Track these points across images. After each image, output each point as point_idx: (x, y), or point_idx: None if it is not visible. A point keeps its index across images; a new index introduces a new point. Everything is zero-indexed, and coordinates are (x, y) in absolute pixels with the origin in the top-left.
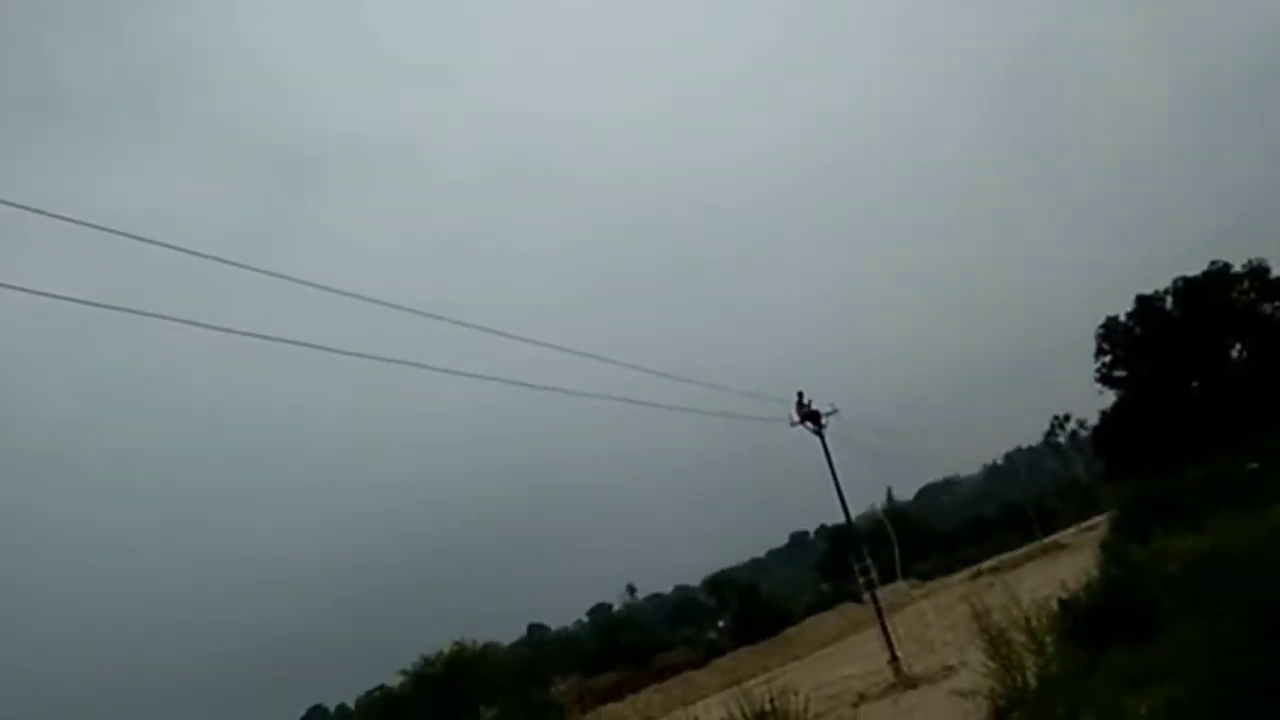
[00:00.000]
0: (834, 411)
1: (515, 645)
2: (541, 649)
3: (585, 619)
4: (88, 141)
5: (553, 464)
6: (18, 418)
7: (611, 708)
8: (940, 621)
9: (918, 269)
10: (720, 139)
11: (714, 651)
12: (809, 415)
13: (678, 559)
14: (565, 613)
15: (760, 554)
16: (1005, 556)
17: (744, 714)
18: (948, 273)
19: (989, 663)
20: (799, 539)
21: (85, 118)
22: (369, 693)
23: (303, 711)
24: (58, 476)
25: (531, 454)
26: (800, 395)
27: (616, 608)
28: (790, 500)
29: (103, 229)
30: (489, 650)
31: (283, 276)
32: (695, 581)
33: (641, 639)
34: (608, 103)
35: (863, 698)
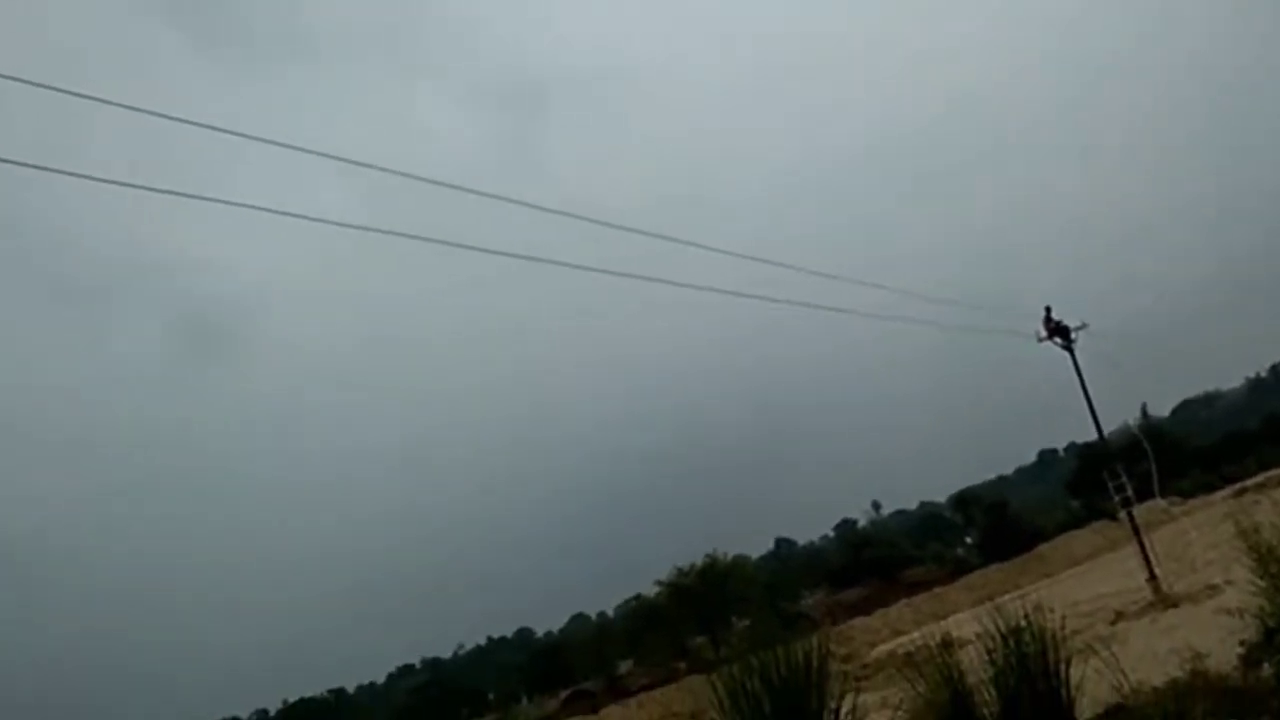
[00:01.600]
0: (1083, 327)
1: (763, 559)
2: (789, 563)
3: (831, 534)
4: (337, 78)
5: (798, 384)
6: (293, 334)
7: (861, 621)
8: (1202, 540)
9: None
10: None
11: (962, 568)
12: (1057, 330)
13: (923, 476)
14: (811, 528)
15: (1007, 471)
16: (1273, 473)
17: (997, 629)
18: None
19: (1258, 581)
20: (1047, 456)
21: (332, 55)
22: (626, 601)
23: (564, 620)
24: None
25: (778, 375)
26: (1048, 310)
27: (862, 523)
28: (1038, 417)
29: (359, 164)
30: (739, 563)
31: (524, 204)
32: (941, 498)
33: (888, 554)
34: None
35: (1120, 615)
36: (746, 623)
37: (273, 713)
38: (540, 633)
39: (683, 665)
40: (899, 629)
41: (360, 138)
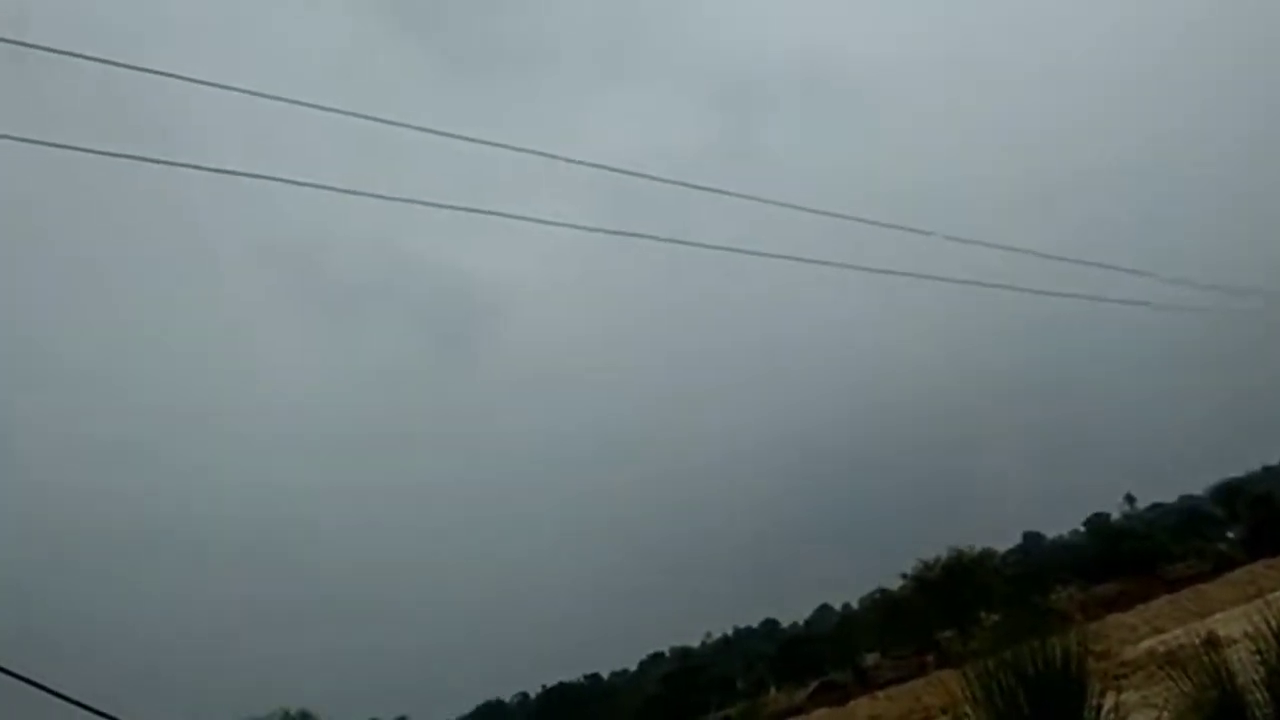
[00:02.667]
0: None
1: (1010, 553)
2: (1038, 557)
3: (1081, 528)
4: (574, 87)
5: (1045, 374)
6: (538, 332)
7: (1116, 617)
8: None
9: None
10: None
11: (1225, 563)
12: None
13: (1181, 468)
14: (1061, 521)
15: (1272, 461)
16: None
17: (1269, 628)
18: None
19: None
20: None
21: (562, 64)
22: (871, 594)
23: (809, 612)
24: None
25: (1025, 365)
26: None
27: (1115, 517)
28: None
29: (597, 166)
30: (985, 557)
31: (748, 197)
32: (1200, 490)
33: (1145, 548)
34: None
35: None
36: (995, 617)
37: (532, 696)
38: (786, 624)
39: (931, 659)
40: (1158, 627)
41: (593, 142)
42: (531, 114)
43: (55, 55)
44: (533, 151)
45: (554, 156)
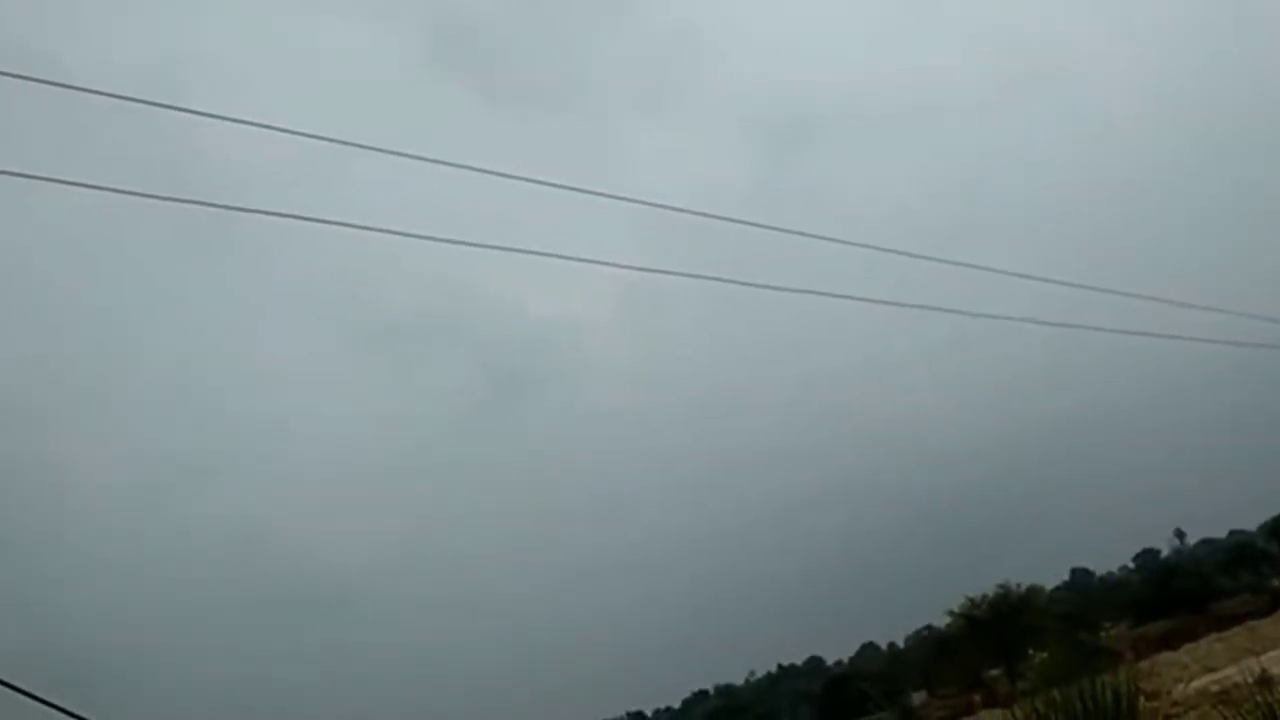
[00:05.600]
0: None
1: (1058, 590)
2: (1087, 594)
3: (1131, 564)
4: (615, 124)
5: (1094, 408)
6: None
7: (1168, 656)
8: None
9: None
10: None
11: (1278, 601)
12: None
13: (1231, 503)
14: (1109, 558)
15: None
16: None
17: None
18: None
19: None
20: None
21: (609, 103)
22: (917, 631)
23: (854, 649)
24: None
25: (1066, 396)
26: None
27: (1165, 553)
28: None
29: (648, 204)
30: (1032, 594)
31: (796, 233)
32: (1252, 526)
33: (1196, 586)
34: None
35: None
36: (1043, 655)
37: None
38: (830, 661)
39: (978, 698)
40: (1210, 665)
41: (642, 181)
42: (577, 151)
43: (112, 100)
44: (584, 190)
45: (604, 195)
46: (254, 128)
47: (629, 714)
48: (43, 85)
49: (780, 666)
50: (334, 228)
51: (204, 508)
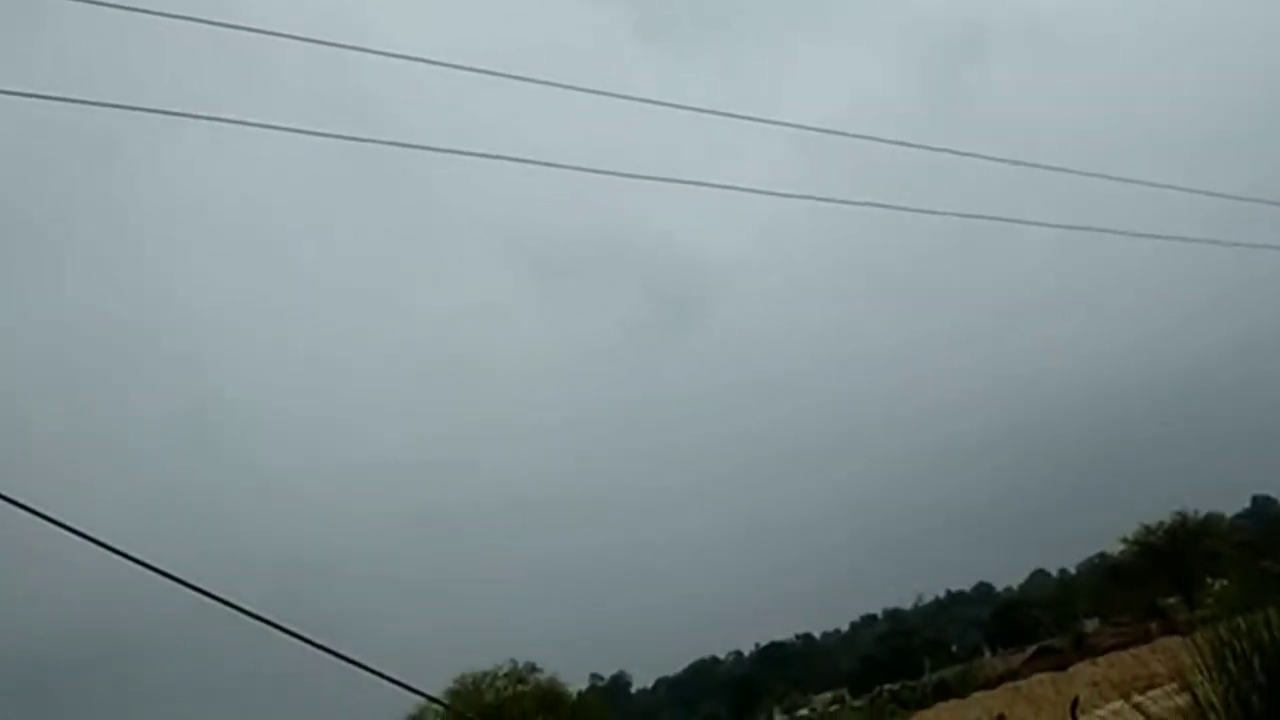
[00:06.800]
0: None
1: (1239, 518)
2: (1268, 521)
3: None
4: (773, 48)
5: (1271, 328)
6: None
7: None
8: None
9: None
10: None
11: None
12: None
13: None
14: None
15: None
16: None
17: None
18: None
19: None
20: None
21: (766, 26)
22: (1089, 559)
23: (1024, 576)
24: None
25: (1245, 318)
26: None
27: None
28: None
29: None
30: (1211, 521)
31: (961, 153)
32: None
33: None
34: None
35: None
36: (1223, 583)
37: (745, 654)
38: (1000, 588)
39: (1154, 626)
40: None
41: (801, 106)
42: (735, 78)
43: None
44: (745, 118)
45: (765, 121)
46: (424, 64)
47: (797, 636)
48: (225, 29)
49: (949, 592)
50: (505, 163)
51: (401, 441)
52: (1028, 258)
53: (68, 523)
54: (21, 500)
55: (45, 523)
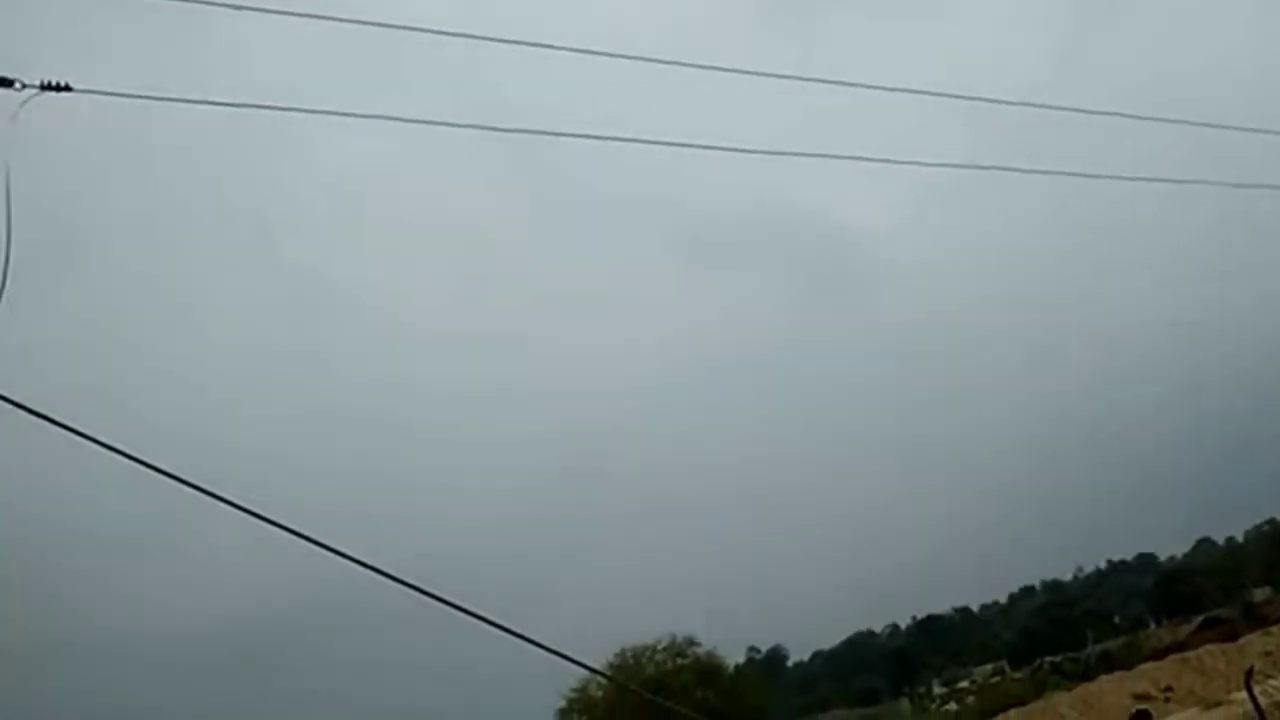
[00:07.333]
0: None
1: None
2: None
3: None
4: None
5: None
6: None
7: None
8: None
9: None
10: None
11: None
12: None
13: None
14: None
15: None
16: None
17: None
18: None
19: None
20: None
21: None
22: (1258, 526)
23: (1188, 545)
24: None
25: None
26: None
27: None
28: None
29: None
30: None
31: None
32: None
33: None
34: None
35: None
36: None
37: (903, 627)
38: (1163, 557)
39: None
40: None
41: (949, 75)
42: (868, 48)
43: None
44: (883, 88)
45: (905, 90)
46: (563, 51)
47: (955, 609)
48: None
49: (1109, 562)
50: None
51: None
52: (1195, 218)
53: (275, 519)
54: (228, 498)
55: (253, 518)
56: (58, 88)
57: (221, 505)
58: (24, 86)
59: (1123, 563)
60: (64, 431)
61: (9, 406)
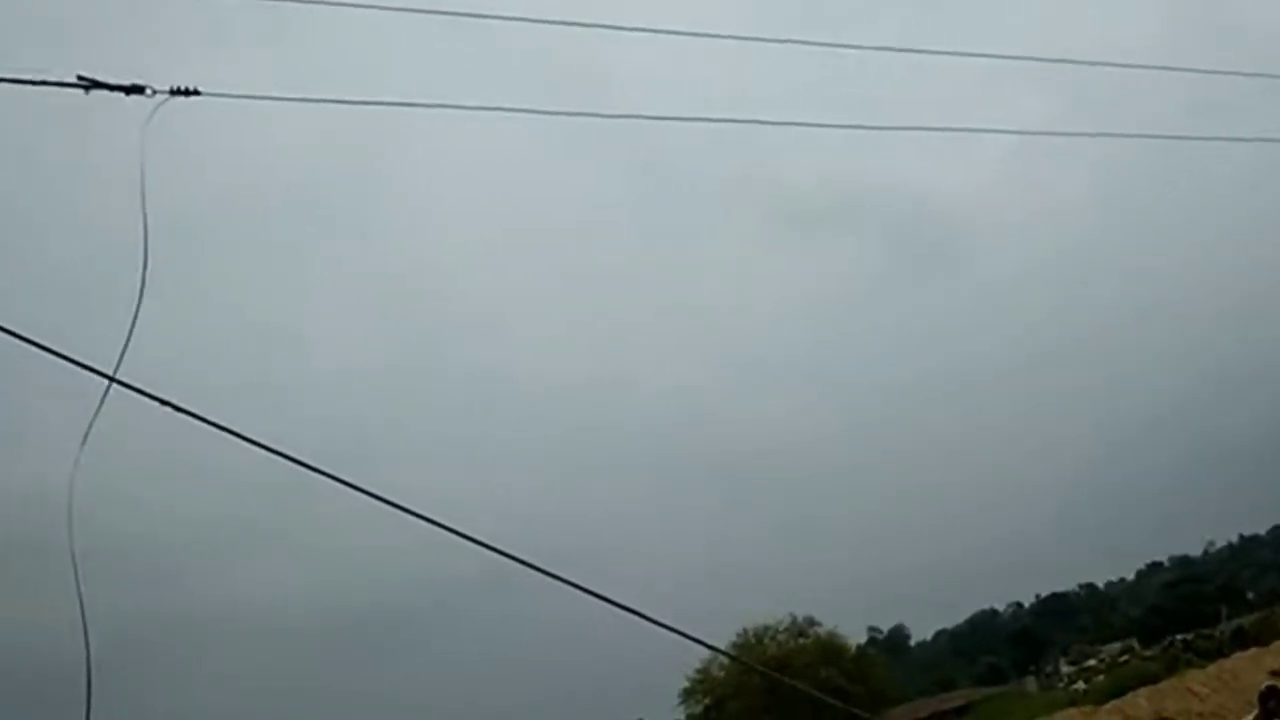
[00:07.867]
0: None
1: None
2: None
3: None
4: None
5: None
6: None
7: None
8: None
9: None
10: None
11: None
12: None
13: None
14: None
15: None
16: None
17: None
18: None
19: None
20: None
21: None
22: None
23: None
24: None
25: None
26: None
27: None
28: None
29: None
30: None
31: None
32: None
33: None
34: None
35: None
36: None
37: (1026, 606)
38: None
39: None
40: None
41: (1045, 41)
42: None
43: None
44: (979, 55)
45: (1001, 56)
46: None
47: (1080, 586)
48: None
49: (1242, 537)
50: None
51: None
52: None
53: (403, 504)
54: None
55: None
56: (187, 92)
57: (354, 492)
58: (155, 92)
59: (1256, 536)
60: (209, 427)
61: (154, 403)
